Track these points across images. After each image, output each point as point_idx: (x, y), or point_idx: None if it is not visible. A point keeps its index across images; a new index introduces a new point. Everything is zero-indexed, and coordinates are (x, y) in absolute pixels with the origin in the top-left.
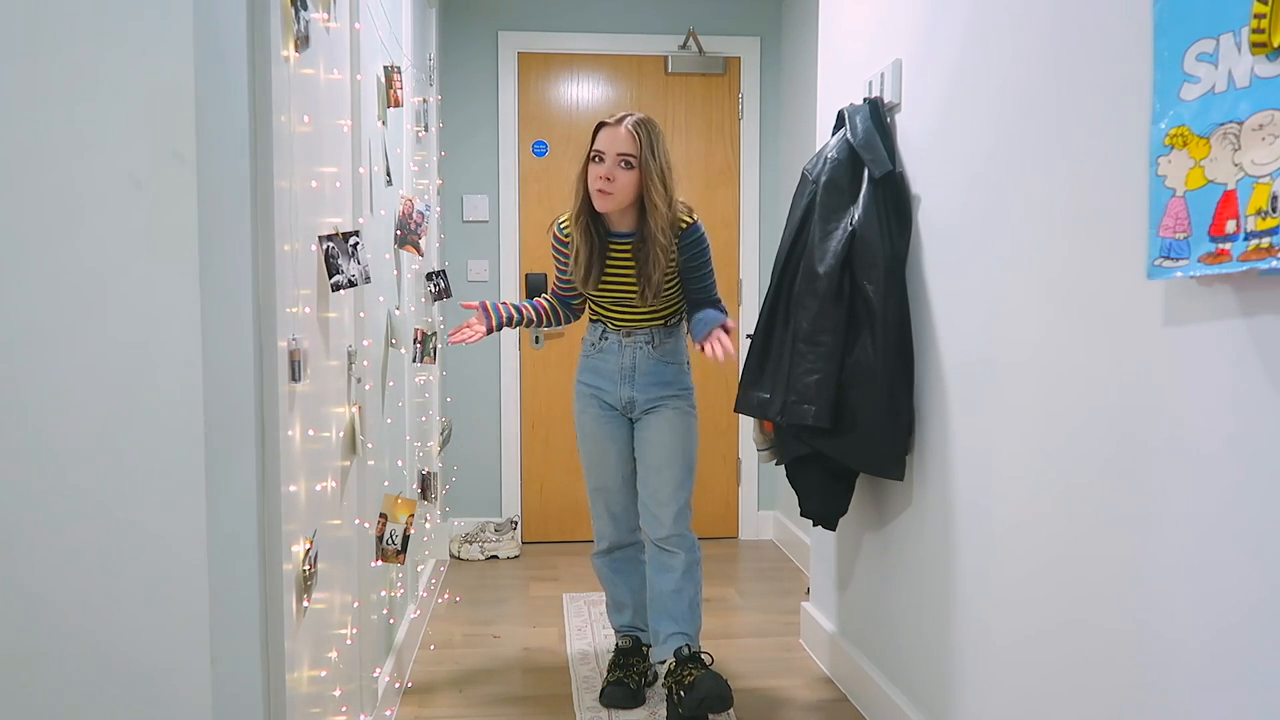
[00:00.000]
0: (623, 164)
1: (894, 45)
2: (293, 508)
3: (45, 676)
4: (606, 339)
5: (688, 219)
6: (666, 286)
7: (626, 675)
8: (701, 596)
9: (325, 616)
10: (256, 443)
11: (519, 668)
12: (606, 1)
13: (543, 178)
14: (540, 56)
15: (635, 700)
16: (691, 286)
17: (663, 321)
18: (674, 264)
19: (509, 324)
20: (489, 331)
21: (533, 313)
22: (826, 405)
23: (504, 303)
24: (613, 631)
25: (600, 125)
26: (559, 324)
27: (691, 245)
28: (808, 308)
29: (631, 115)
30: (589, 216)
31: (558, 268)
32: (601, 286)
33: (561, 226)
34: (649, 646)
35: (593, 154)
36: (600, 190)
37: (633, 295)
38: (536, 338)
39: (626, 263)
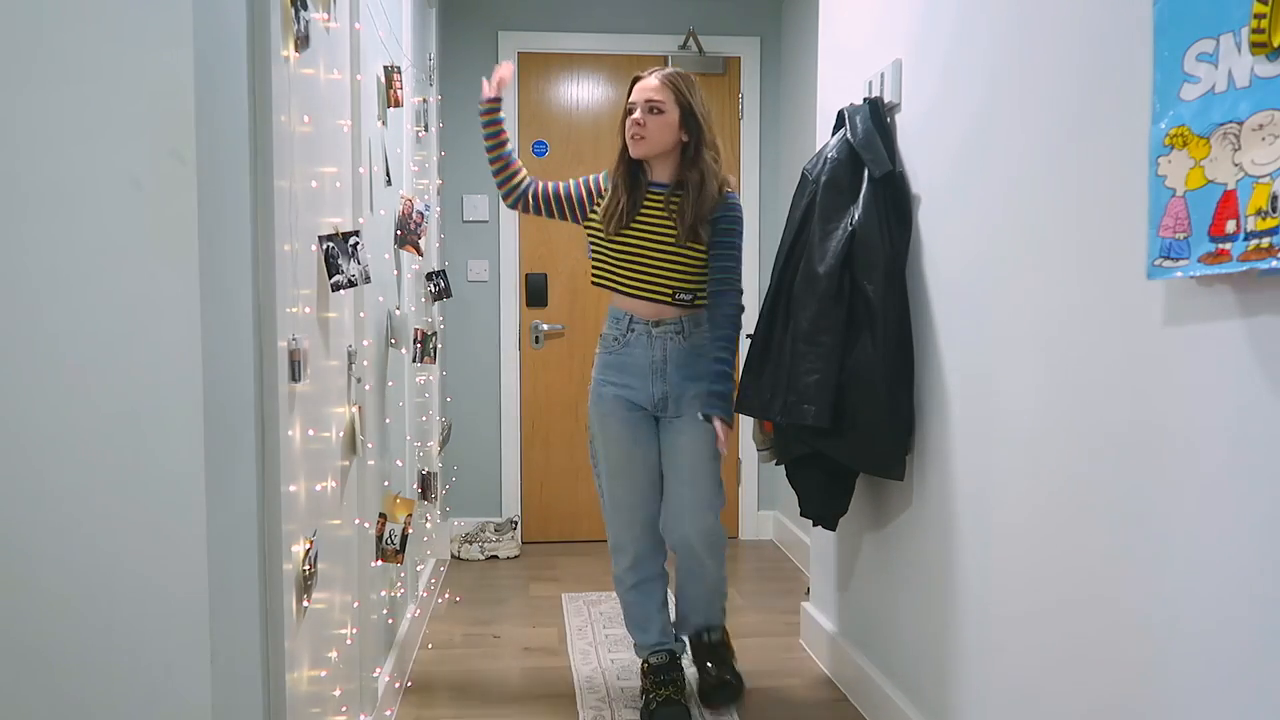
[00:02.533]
0: (653, 110)
1: (894, 45)
2: (293, 508)
3: (45, 676)
4: (633, 330)
5: (729, 189)
6: (695, 254)
7: (676, 692)
8: (725, 582)
9: (325, 616)
10: (256, 443)
11: (519, 668)
12: (606, 1)
13: (543, 177)
14: (540, 56)
15: (688, 715)
16: (715, 264)
17: (670, 296)
18: (708, 224)
19: (495, 124)
20: (493, 100)
21: (508, 156)
22: (826, 405)
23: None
24: (635, 649)
25: (633, 81)
26: (507, 178)
27: (726, 215)
28: (808, 307)
29: (665, 69)
30: (628, 166)
31: (571, 189)
32: (625, 235)
33: (606, 175)
34: (680, 656)
35: (627, 108)
36: (633, 136)
37: (653, 251)
38: (536, 338)
39: (658, 213)
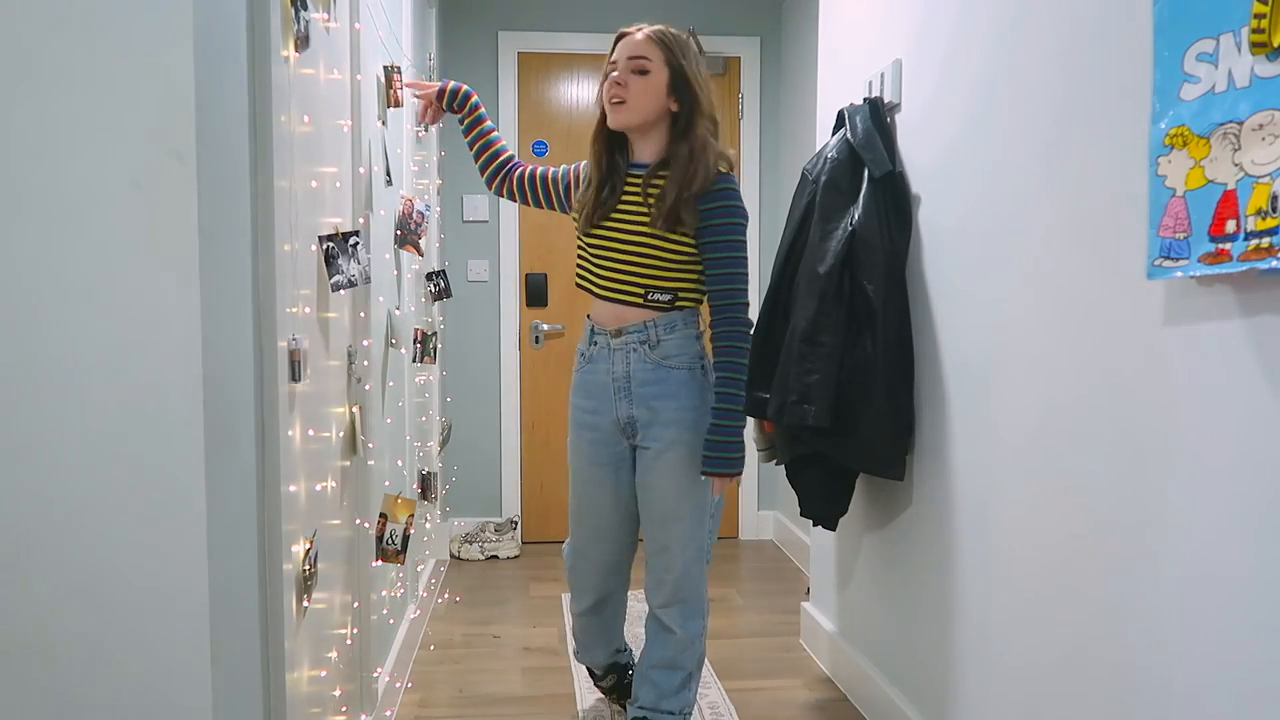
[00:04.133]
0: (637, 70)
1: (894, 45)
2: (293, 508)
3: (45, 676)
4: (595, 343)
5: (725, 168)
6: (675, 245)
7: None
8: (701, 672)
9: (325, 616)
10: (256, 443)
11: (519, 668)
12: (606, 1)
13: None
14: (540, 56)
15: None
16: (711, 270)
17: (641, 296)
18: (694, 210)
19: (464, 112)
20: (442, 99)
21: (492, 143)
22: (826, 405)
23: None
24: (615, 664)
25: (619, 36)
26: (490, 158)
27: (720, 204)
28: (807, 308)
29: (656, 25)
30: (605, 142)
31: (559, 175)
32: (601, 228)
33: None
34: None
35: (606, 68)
36: (612, 101)
37: (625, 243)
38: (536, 338)
39: (635, 200)
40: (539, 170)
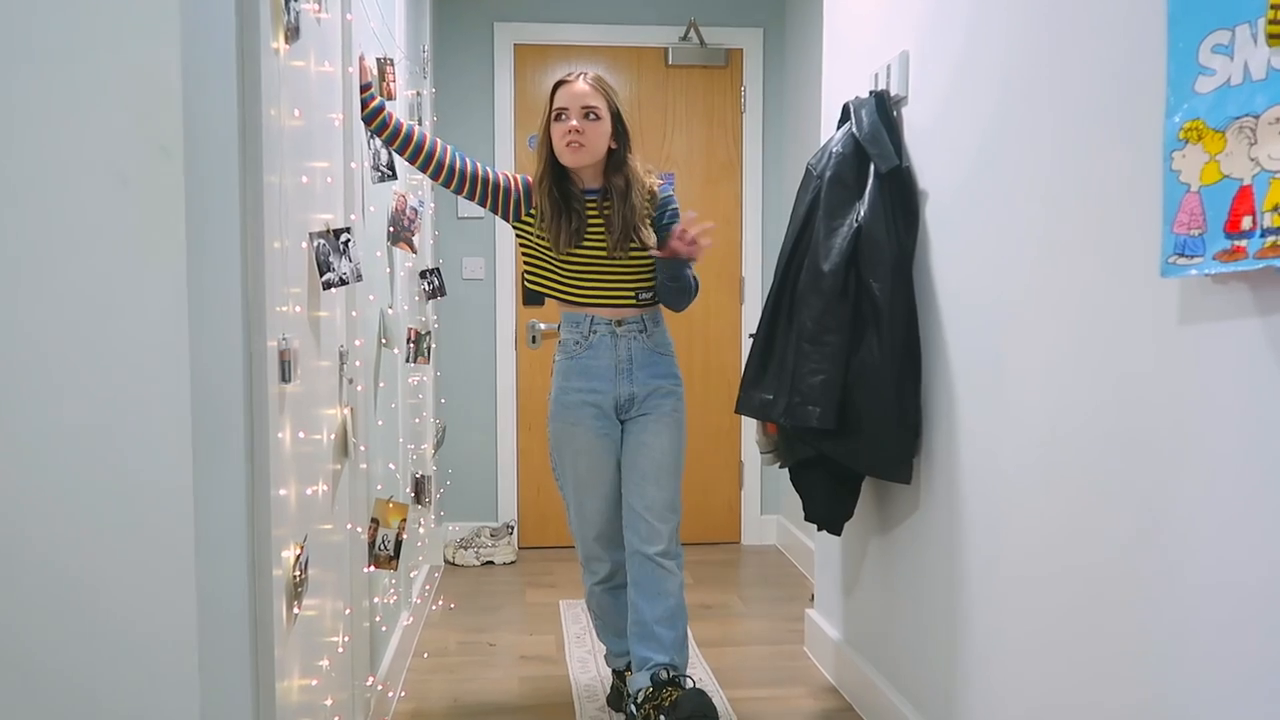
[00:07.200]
0: (589, 116)
1: (901, 37)
2: (283, 512)
3: (31, 686)
4: (595, 332)
5: (659, 181)
6: (637, 252)
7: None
8: (686, 612)
9: (316, 623)
10: (245, 445)
11: (515, 676)
12: None
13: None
14: (537, 48)
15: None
16: None
17: (633, 297)
18: (649, 220)
19: (370, 113)
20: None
21: (410, 134)
22: (831, 406)
23: (389, 112)
24: (610, 658)
25: (558, 84)
26: (416, 150)
27: (670, 212)
28: (812, 306)
29: (587, 71)
30: (554, 180)
31: (512, 184)
32: (579, 251)
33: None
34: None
35: (555, 112)
36: (570, 144)
37: (607, 260)
38: (533, 337)
39: (597, 222)
40: (490, 170)
